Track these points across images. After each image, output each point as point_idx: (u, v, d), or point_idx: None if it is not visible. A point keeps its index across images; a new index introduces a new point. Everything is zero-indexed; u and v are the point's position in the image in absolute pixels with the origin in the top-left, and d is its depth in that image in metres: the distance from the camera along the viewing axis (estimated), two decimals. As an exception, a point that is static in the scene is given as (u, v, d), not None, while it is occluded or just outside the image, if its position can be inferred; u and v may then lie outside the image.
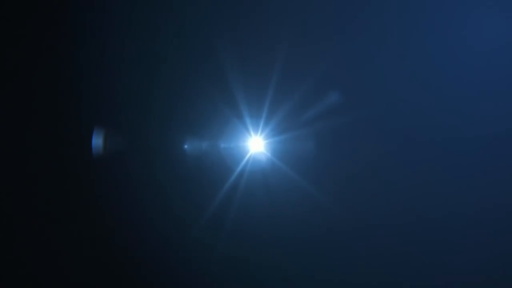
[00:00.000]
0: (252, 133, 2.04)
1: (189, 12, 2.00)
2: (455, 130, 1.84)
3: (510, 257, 1.77)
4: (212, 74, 2.01)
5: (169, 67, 2.07)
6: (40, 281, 2.03)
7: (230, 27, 1.98)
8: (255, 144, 2.05)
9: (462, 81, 1.83)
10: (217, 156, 2.09)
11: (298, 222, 1.97)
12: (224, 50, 1.98)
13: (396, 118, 1.89)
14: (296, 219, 1.98)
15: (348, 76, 1.94)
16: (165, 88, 2.10)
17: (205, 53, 2.03)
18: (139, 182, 2.12)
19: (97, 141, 2.09)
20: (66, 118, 2.10)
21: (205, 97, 2.05)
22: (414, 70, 1.87)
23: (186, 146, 2.12)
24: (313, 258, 1.96)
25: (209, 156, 2.10)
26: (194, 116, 2.11)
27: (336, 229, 1.94)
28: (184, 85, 2.08)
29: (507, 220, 1.78)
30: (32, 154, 2.06)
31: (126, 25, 2.06)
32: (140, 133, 2.13)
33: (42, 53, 2.07)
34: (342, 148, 1.95)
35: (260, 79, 1.97)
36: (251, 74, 1.99)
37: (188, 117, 2.12)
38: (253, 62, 1.98)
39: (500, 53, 1.79)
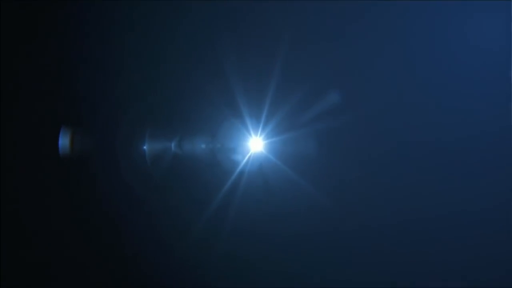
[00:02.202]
0: (252, 133, 2.05)
1: (190, 11, 2.01)
2: (454, 130, 1.85)
3: (510, 256, 1.78)
4: (212, 74, 2.02)
5: (169, 67, 2.08)
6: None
7: (230, 28, 2.00)
8: (255, 145, 2.05)
9: (462, 82, 1.84)
10: (217, 156, 2.10)
11: (297, 222, 1.97)
12: (224, 50, 1.99)
13: (395, 118, 1.90)
14: (295, 218, 1.98)
15: (347, 77, 1.95)
16: (165, 88, 2.11)
17: (205, 53, 2.04)
18: (139, 182, 2.11)
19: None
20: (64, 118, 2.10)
21: (205, 97, 2.05)
22: (413, 71, 1.88)
23: (186, 146, 2.13)
24: (312, 257, 1.96)
25: (209, 156, 2.11)
26: (194, 116, 2.12)
27: (334, 228, 1.94)
28: (183, 85, 2.09)
29: (506, 220, 1.79)
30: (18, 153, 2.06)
31: (125, 24, 2.07)
32: (141, 133, 2.13)
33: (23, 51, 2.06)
34: (341, 148, 1.96)
35: (260, 80, 1.98)
36: (251, 75, 1.99)
37: (188, 117, 2.13)
38: (253, 63, 1.99)
39: (500, 54, 1.80)
